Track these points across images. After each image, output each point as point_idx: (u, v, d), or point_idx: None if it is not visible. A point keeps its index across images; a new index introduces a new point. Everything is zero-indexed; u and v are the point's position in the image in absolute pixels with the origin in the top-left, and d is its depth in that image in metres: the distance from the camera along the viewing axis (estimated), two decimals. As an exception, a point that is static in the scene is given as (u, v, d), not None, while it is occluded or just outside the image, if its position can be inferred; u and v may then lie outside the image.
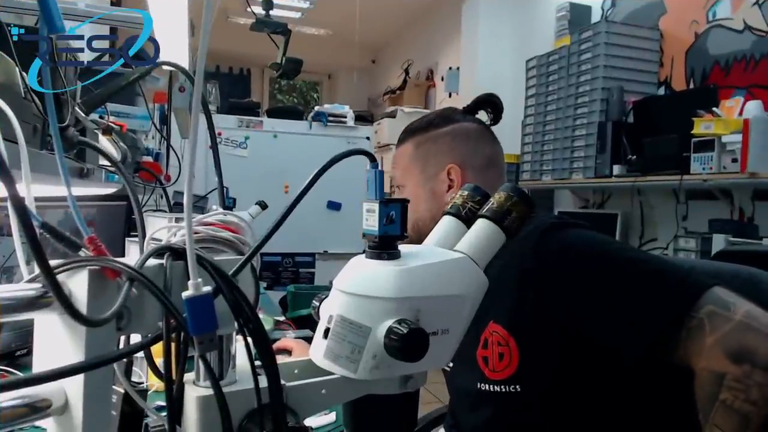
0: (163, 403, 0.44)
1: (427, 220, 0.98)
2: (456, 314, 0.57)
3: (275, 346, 1.52)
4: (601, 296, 0.76)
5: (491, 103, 1.07)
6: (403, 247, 0.56)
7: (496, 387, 0.87)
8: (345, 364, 0.52)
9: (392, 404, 0.59)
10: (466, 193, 0.66)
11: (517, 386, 0.84)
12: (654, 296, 0.73)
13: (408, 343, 0.49)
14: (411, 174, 1.03)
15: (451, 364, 1.02)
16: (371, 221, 0.54)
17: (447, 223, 0.65)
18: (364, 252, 0.57)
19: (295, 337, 1.75)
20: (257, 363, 0.47)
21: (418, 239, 0.88)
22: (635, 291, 0.74)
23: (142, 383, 0.95)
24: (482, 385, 0.88)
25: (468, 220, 0.65)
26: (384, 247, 0.55)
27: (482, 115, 1.09)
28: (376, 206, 0.53)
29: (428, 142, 1.03)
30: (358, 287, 0.54)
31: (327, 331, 0.54)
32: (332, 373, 0.53)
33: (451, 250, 0.61)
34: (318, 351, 0.54)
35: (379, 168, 0.55)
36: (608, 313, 0.75)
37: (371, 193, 0.55)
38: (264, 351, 0.47)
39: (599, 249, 0.81)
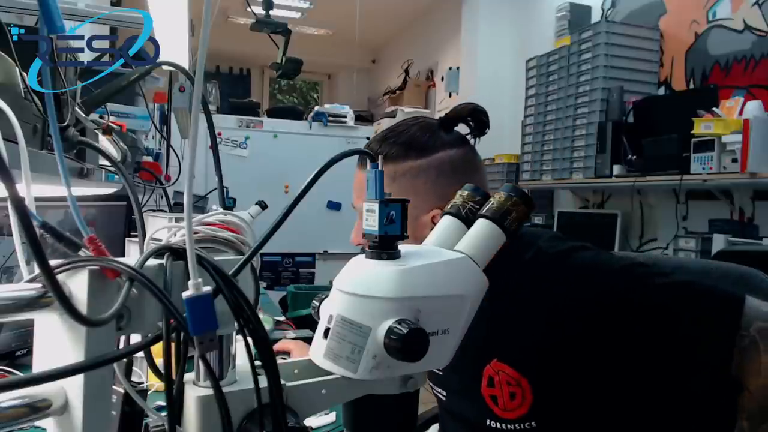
0: (163, 403, 0.44)
1: None
2: (456, 314, 0.57)
3: (275, 348, 1.52)
4: (652, 337, 0.73)
5: (475, 118, 0.89)
6: (403, 247, 0.56)
7: (509, 425, 0.83)
8: (345, 364, 0.52)
9: (392, 404, 0.59)
10: (466, 193, 0.65)
11: (533, 422, 0.80)
12: (704, 322, 0.71)
13: (408, 343, 0.49)
14: None
15: (444, 393, 0.98)
16: (371, 221, 0.54)
17: (447, 223, 0.65)
18: (363, 252, 0.57)
19: (295, 337, 1.75)
20: (257, 363, 0.47)
21: None
22: (685, 321, 0.72)
23: (142, 383, 0.95)
24: (492, 422, 0.85)
25: (468, 220, 0.64)
26: (384, 247, 0.55)
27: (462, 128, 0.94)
28: (376, 206, 0.53)
29: (405, 176, 0.86)
30: (359, 287, 0.54)
31: (327, 331, 0.54)
32: (332, 373, 0.53)
33: (451, 250, 0.61)
34: (318, 351, 0.54)
35: (379, 168, 0.55)
36: (665, 353, 0.73)
37: (371, 193, 0.54)
38: (264, 351, 0.47)
39: (629, 278, 0.77)
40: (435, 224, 0.80)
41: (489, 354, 0.83)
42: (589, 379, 0.77)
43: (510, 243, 0.72)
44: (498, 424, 0.84)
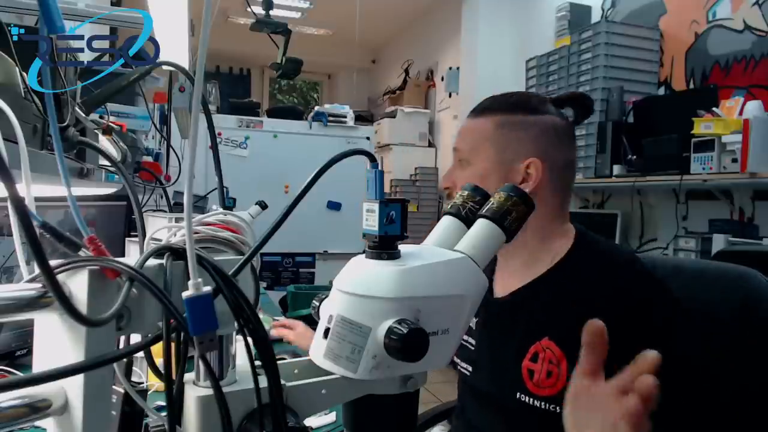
0: (163, 403, 0.44)
1: None
2: (456, 314, 0.57)
3: (277, 331, 1.51)
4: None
5: (582, 104, 0.99)
6: (402, 247, 0.56)
7: (536, 402, 0.86)
8: (345, 364, 0.52)
9: (392, 404, 0.59)
10: (466, 193, 0.66)
11: (557, 408, 0.82)
12: None
13: (408, 342, 0.49)
14: (484, 153, 0.94)
15: (470, 369, 1.00)
16: (371, 221, 0.54)
17: (447, 223, 0.65)
18: (363, 252, 0.57)
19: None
20: (257, 363, 0.47)
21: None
22: None
23: (142, 383, 0.95)
24: (522, 396, 0.87)
25: (468, 220, 0.64)
26: (384, 247, 0.55)
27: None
28: (376, 206, 0.53)
29: (513, 126, 0.93)
30: (359, 287, 0.54)
31: (327, 331, 0.54)
32: (332, 373, 0.53)
33: (451, 251, 0.61)
34: (318, 351, 0.54)
35: (379, 168, 0.55)
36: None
37: (371, 193, 0.55)
38: (264, 351, 0.47)
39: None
40: (528, 173, 0.90)
41: (544, 331, 0.86)
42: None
43: (584, 235, 0.89)
44: (526, 398, 0.87)
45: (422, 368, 0.56)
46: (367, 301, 0.53)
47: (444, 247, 0.62)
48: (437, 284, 0.56)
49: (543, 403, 0.85)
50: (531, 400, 0.86)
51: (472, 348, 1.00)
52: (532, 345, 0.87)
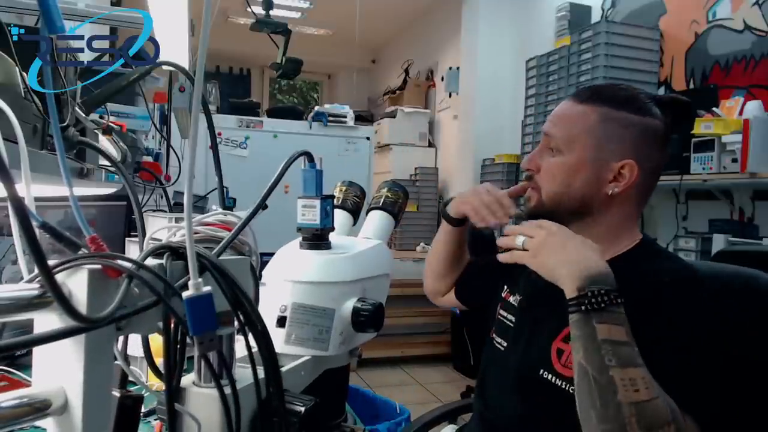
0: (163, 406, 0.44)
1: (574, 198, 0.91)
2: (384, 289, 0.71)
3: None
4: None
5: (685, 112, 0.97)
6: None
7: (558, 381, 0.87)
8: (314, 345, 0.59)
9: (346, 375, 0.70)
10: (345, 188, 0.83)
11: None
12: None
13: (375, 316, 0.60)
14: (581, 144, 0.91)
15: (505, 344, 1.01)
16: (309, 216, 0.62)
17: (342, 215, 0.80)
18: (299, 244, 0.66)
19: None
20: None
21: (553, 209, 0.93)
22: None
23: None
24: (546, 373, 0.88)
25: (354, 212, 0.82)
26: (324, 238, 0.64)
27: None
28: (316, 202, 0.61)
29: (616, 122, 0.90)
30: (316, 275, 0.61)
31: (282, 320, 0.60)
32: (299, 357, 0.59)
33: (366, 239, 0.77)
34: (277, 340, 0.58)
35: (317, 167, 0.63)
36: None
37: (310, 191, 0.62)
38: (264, 344, 0.47)
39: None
40: (621, 174, 0.89)
41: None
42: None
43: (649, 240, 0.96)
44: (549, 376, 0.88)
45: (369, 337, 0.65)
46: (326, 286, 0.60)
47: (341, 234, 0.75)
48: (374, 266, 0.68)
49: (564, 383, 0.86)
50: (554, 378, 0.87)
51: (511, 325, 1.01)
52: (566, 326, 0.85)
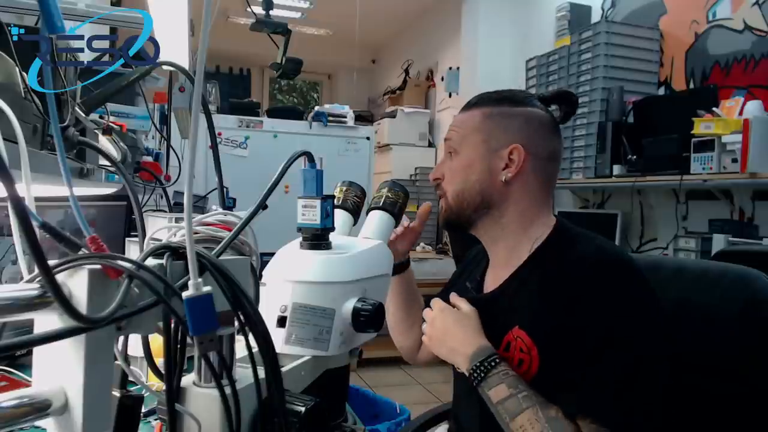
0: (163, 406, 0.43)
1: (473, 192, 0.96)
2: (384, 289, 0.70)
3: None
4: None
5: (568, 101, 1.03)
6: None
7: None
8: (314, 345, 0.58)
9: (345, 375, 0.69)
10: (345, 188, 0.82)
11: None
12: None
13: (376, 316, 0.59)
14: (471, 142, 0.98)
15: None
16: (309, 215, 0.61)
17: (343, 215, 0.79)
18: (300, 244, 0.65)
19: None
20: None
21: (458, 209, 0.99)
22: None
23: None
24: None
25: (355, 212, 0.82)
26: (324, 238, 0.63)
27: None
28: (317, 202, 0.60)
29: (499, 116, 0.98)
30: (317, 275, 0.60)
31: (283, 320, 0.59)
32: (300, 357, 0.58)
33: (365, 239, 0.75)
34: (277, 340, 0.57)
35: (318, 167, 0.62)
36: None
37: (310, 191, 0.61)
38: (265, 345, 0.47)
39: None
40: (511, 160, 0.94)
41: (514, 320, 0.89)
42: (581, 359, 0.81)
43: (563, 224, 0.96)
44: None
45: (369, 337, 0.65)
46: (328, 286, 0.60)
47: (341, 234, 0.75)
48: (374, 266, 0.67)
49: None
50: None
51: None
52: (505, 335, 0.89)
